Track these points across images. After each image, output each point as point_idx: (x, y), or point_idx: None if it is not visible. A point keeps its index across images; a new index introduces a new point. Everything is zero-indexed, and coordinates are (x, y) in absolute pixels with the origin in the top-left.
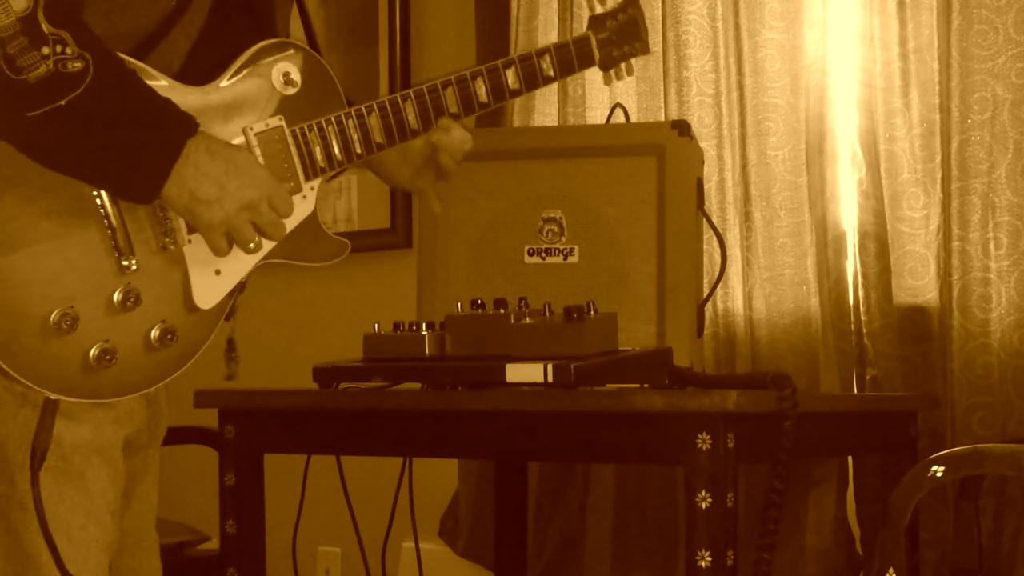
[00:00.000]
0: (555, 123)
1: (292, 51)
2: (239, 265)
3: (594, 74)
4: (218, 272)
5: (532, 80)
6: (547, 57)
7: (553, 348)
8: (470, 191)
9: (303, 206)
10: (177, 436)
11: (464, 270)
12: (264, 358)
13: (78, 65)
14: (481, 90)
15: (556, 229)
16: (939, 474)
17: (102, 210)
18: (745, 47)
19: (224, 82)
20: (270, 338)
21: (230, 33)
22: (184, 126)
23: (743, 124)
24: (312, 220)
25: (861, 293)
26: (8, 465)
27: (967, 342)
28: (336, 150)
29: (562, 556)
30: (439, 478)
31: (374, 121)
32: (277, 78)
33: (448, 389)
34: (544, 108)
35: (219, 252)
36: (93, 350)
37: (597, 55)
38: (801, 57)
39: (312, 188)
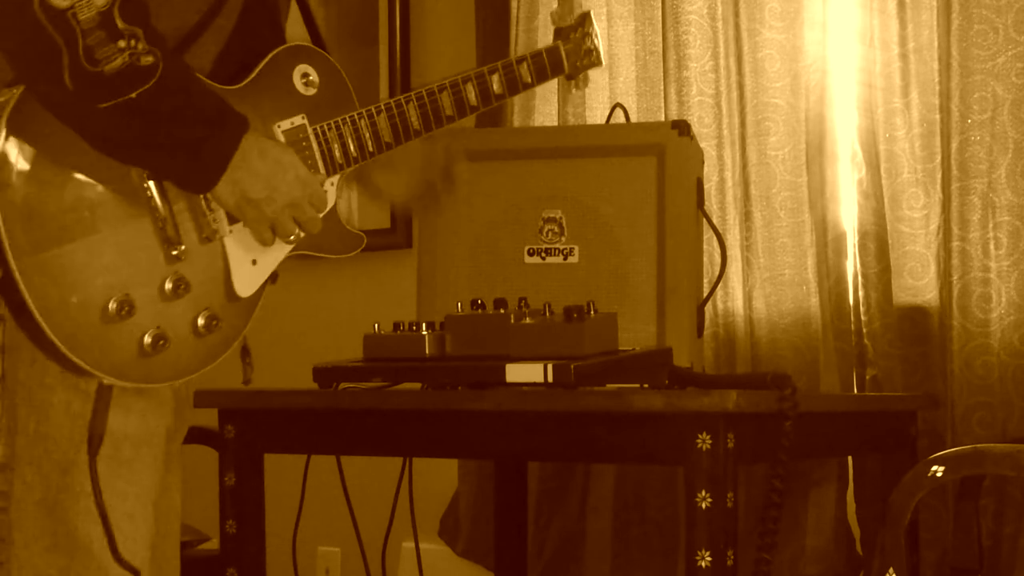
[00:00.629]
0: (555, 123)
1: (309, 54)
2: (273, 255)
3: (594, 74)
4: (255, 262)
5: (513, 86)
6: (525, 65)
7: (553, 348)
8: (470, 191)
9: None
10: None
11: (464, 270)
12: (264, 358)
13: (149, 60)
14: (471, 94)
15: (556, 229)
16: (939, 474)
17: (152, 202)
18: (745, 47)
19: (248, 83)
20: (270, 338)
21: (254, 37)
22: (241, 124)
23: (743, 124)
24: (333, 214)
25: (861, 293)
26: (63, 456)
27: (967, 342)
28: (352, 147)
29: (562, 556)
30: (439, 478)
31: (383, 121)
32: (298, 80)
33: (448, 389)
34: (544, 108)
35: (265, 243)
36: (147, 336)
37: (566, 65)
38: (801, 57)
39: (332, 183)
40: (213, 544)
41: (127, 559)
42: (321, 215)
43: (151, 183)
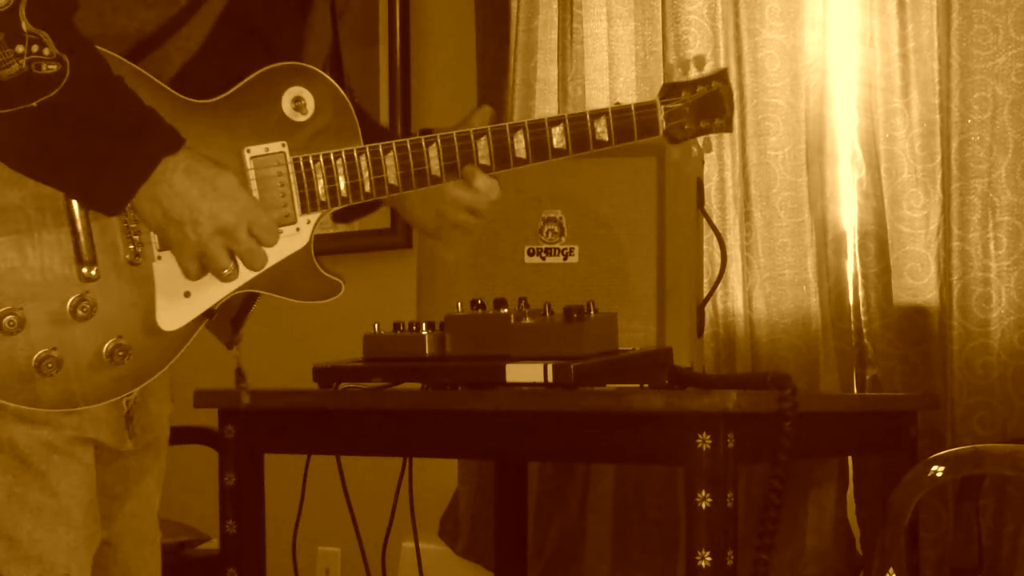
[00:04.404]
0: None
1: (309, 77)
2: (212, 291)
3: (593, 73)
4: (188, 294)
5: (581, 141)
6: (602, 120)
7: (553, 348)
8: None
9: (295, 239)
10: (177, 436)
11: (464, 270)
12: (264, 358)
13: (53, 67)
14: (520, 144)
15: (556, 229)
16: (939, 474)
17: (67, 214)
18: (745, 47)
19: (226, 98)
20: (270, 338)
21: (234, 54)
22: (165, 141)
23: (743, 124)
24: (304, 255)
25: (861, 293)
26: None
27: (967, 342)
28: (342, 186)
29: (562, 556)
30: (439, 478)
31: (390, 161)
32: (287, 103)
33: (448, 389)
34: (544, 108)
35: (188, 275)
36: (36, 356)
37: (663, 125)
38: (801, 57)
39: (309, 222)
40: (213, 544)
41: (36, 574)
42: (273, 250)
43: None
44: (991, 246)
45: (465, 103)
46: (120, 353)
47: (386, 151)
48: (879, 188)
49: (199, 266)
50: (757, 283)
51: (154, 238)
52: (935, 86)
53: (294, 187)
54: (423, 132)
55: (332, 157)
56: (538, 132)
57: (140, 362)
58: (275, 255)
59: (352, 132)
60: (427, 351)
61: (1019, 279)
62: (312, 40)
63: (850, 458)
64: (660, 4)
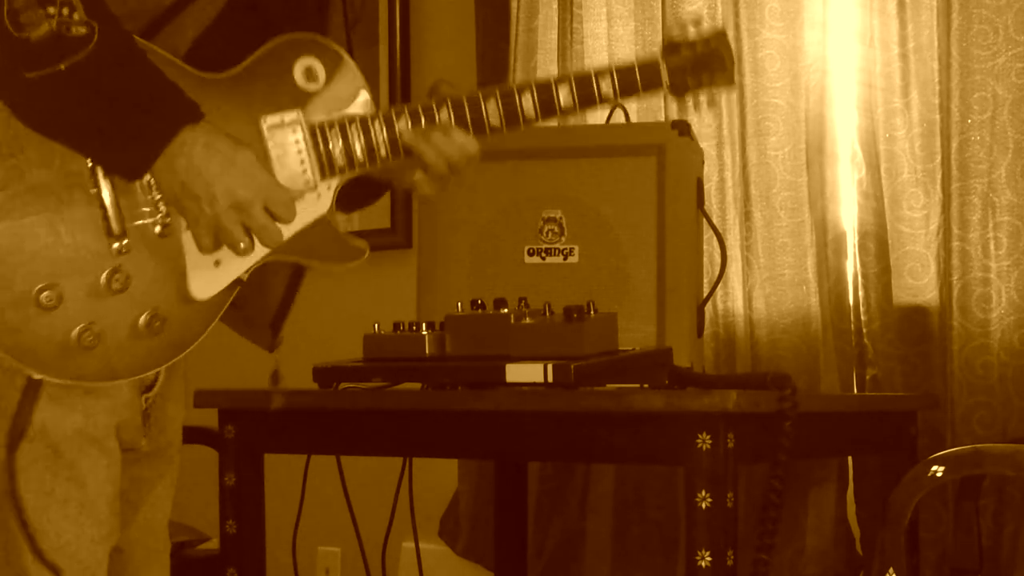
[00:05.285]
0: (555, 123)
1: (320, 48)
2: (242, 259)
3: None
4: (218, 263)
5: (587, 98)
6: (607, 77)
7: (553, 348)
8: (470, 191)
9: (317, 205)
10: None
11: (464, 270)
12: (264, 358)
13: (82, 31)
14: (528, 103)
15: (556, 229)
16: (939, 474)
17: (95, 189)
18: (745, 47)
19: (240, 72)
20: None
21: (247, 28)
22: (185, 113)
23: (743, 124)
24: (327, 220)
25: (861, 293)
26: None
27: (967, 342)
28: (358, 150)
29: (562, 556)
30: (439, 478)
31: (403, 124)
32: (299, 73)
33: (448, 389)
34: None
35: (203, 249)
36: (75, 330)
37: (666, 79)
38: (801, 57)
39: (329, 188)
40: (213, 544)
41: (63, 565)
42: (296, 219)
43: (98, 170)
44: (991, 246)
45: None
46: (157, 323)
47: (399, 115)
48: (879, 188)
49: (214, 240)
50: (757, 283)
51: None
52: (935, 86)
53: (311, 154)
54: (431, 92)
55: (347, 123)
56: (545, 91)
57: (177, 332)
58: (298, 222)
59: (365, 100)
60: (427, 351)
61: (1019, 279)
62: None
63: (850, 458)
64: (660, 4)
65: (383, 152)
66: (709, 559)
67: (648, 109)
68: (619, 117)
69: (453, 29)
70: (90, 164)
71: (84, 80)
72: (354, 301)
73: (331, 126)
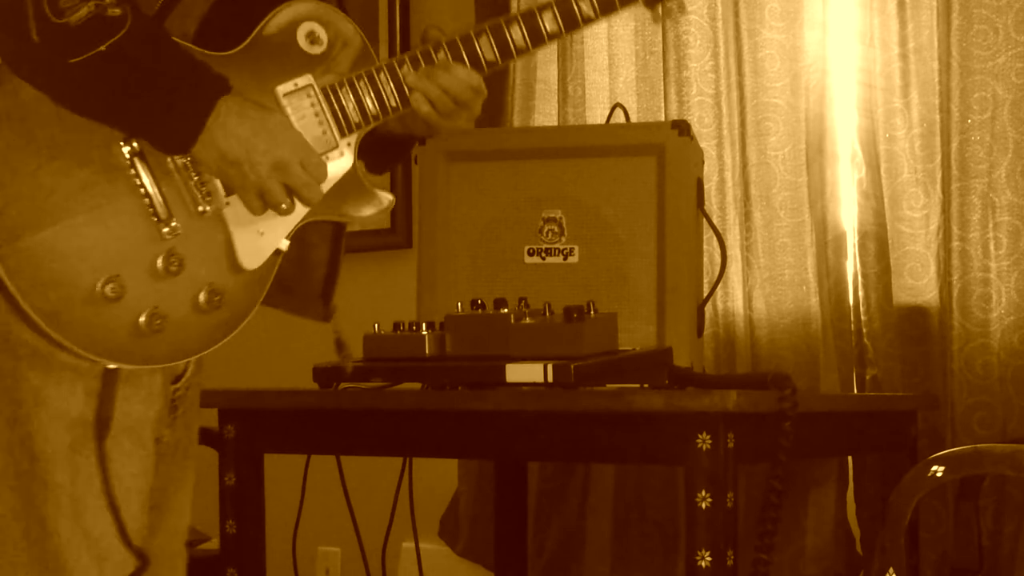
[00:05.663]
0: (555, 123)
1: (317, 11)
2: (282, 225)
3: (593, 73)
4: (261, 233)
5: (570, 20)
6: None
7: (553, 348)
8: (470, 191)
9: (341, 162)
10: None
11: (464, 270)
12: (264, 358)
13: (117, 11)
14: (517, 35)
15: (556, 229)
16: (939, 474)
17: (137, 179)
18: (745, 47)
19: (247, 47)
20: (270, 337)
21: (248, 3)
22: (219, 84)
23: (743, 124)
24: (352, 174)
25: (861, 293)
26: (33, 444)
27: (967, 342)
28: (369, 104)
29: (562, 556)
30: (439, 478)
31: (406, 71)
32: (302, 38)
33: (448, 389)
34: (544, 108)
35: (254, 211)
36: (143, 316)
37: None
38: (801, 57)
39: (349, 144)
40: (213, 544)
41: (139, 547)
42: (323, 182)
43: (136, 160)
44: (991, 246)
45: None
46: (216, 298)
47: (400, 64)
48: (879, 188)
49: (262, 202)
50: (757, 283)
51: (219, 184)
52: (935, 86)
53: (328, 114)
54: (424, 39)
55: (355, 79)
56: (531, 20)
57: (234, 304)
58: (328, 180)
59: (365, 54)
60: (427, 351)
61: (1019, 279)
62: None
63: (850, 458)
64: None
65: (393, 102)
66: (709, 559)
67: (648, 109)
68: (619, 117)
69: (453, 29)
70: (128, 155)
71: (124, 59)
72: (354, 301)
73: (341, 85)
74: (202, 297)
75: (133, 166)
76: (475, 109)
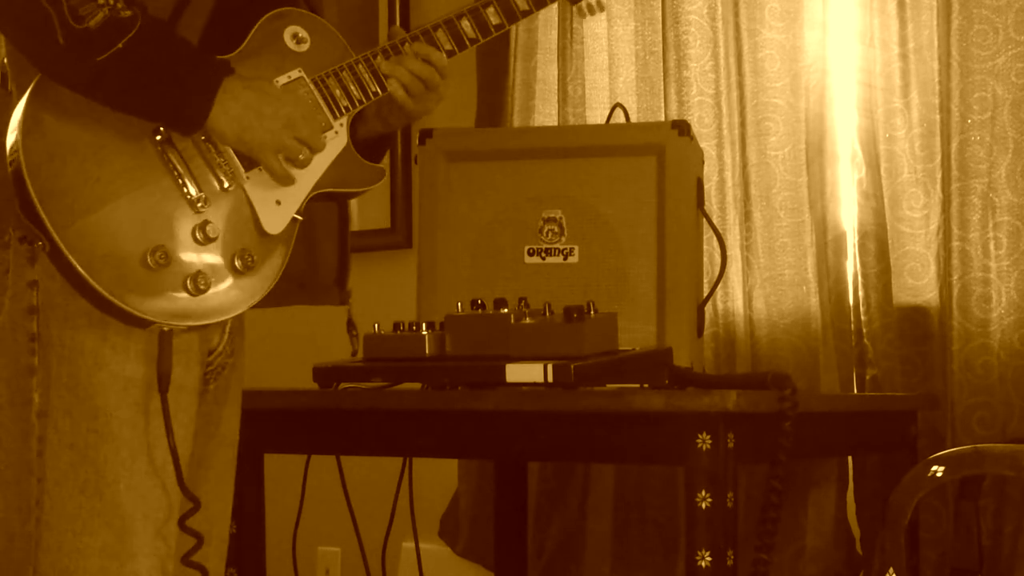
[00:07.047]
0: (555, 123)
1: (296, 16)
2: (295, 193)
3: (593, 73)
4: (279, 202)
5: (511, 14)
6: None
7: (553, 348)
8: (470, 191)
9: (337, 140)
10: None
11: (464, 270)
12: (264, 358)
13: (128, 13)
14: (467, 27)
15: (556, 229)
16: (939, 474)
17: (169, 164)
18: (745, 47)
19: (242, 49)
20: (270, 337)
21: (238, 13)
22: (222, 67)
23: (743, 124)
24: (349, 151)
25: (861, 293)
26: (92, 403)
27: (967, 342)
28: (353, 90)
29: (562, 556)
30: (439, 478)
31: (379, 61)
32: (289, 39)
33: (448, 389)
34: (544, 108)
35: (274, 172)
36: (189, 280)
37: None
38: (801, 57)
39: (342, 125)
40: None
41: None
42: (326, 151)
43: (166, 147)
44: (991, 246)
45: (465, 104)
46: (249, 259)
47: (375, 55)
48: (879, 188)
49: (279, 161)
50: (757, 283)
51: (238, 163)
52: (935, 86)
53: (320, 100)
54: (391, 36)
55: (339, 71)
56: (478, 15)
57: (265, 265)
58: (329, 155)
59: (342, 50)
60: (427, 351)
61: (1019, 279)
62: None
63: (850, 458)
64: (660, 4)
65: (373, 87)
66: (709, 559)
67: (648, 109)
68: (619, 117)
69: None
70: (159, 143)
71: (139, 54)
72: (354, 301)
73: (328, 76)
74: (238, 261)
75: (164, 152)
76: (441, 91)
